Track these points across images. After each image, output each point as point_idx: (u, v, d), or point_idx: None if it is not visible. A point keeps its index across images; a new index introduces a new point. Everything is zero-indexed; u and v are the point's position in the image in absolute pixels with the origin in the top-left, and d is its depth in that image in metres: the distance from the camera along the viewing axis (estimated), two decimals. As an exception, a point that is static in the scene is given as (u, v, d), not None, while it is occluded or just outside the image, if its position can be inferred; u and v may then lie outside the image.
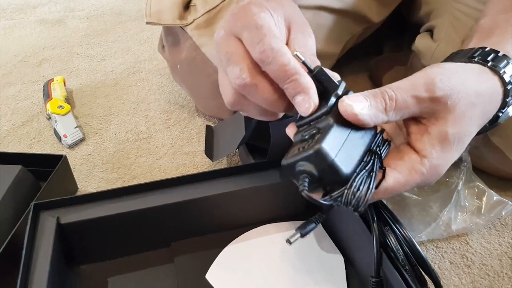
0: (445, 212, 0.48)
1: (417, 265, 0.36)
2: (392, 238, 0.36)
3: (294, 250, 0.45)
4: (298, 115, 0.34)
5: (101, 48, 0.94)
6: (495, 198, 0.50)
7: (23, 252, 0.37)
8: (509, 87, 0.36)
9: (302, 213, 0.48)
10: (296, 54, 0.33)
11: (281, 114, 0.37)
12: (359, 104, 0.31)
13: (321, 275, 0.42)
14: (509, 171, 0.54)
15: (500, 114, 0.37)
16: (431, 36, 0.60)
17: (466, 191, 0.50)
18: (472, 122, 0.34)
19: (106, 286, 0.42)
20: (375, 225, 0.37)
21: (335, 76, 0.35)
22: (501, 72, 0.36)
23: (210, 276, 0.43)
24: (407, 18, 0.71)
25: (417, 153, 0.33)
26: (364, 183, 0.31)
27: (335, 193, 0.31)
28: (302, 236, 0.38)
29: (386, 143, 0.34)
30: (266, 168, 0.47)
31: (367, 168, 0.31)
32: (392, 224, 0.37)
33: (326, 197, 0.31)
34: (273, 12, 0.35)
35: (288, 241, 0.37)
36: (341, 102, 0.31)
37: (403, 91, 0.32)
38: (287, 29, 0.36)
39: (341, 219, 0.45)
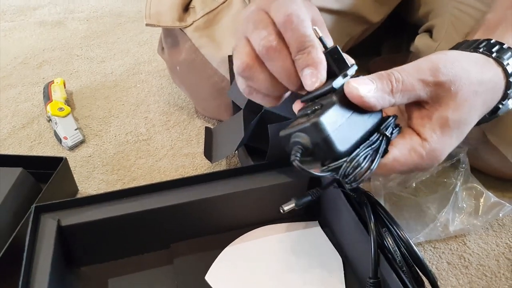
0: (443, 213, 0.48)
1: (414, 266, 0.36)
2: (389, 240, 0.37)
3: (293, 251, 0.45)
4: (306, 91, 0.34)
5: (101, 50, 0.94)
6: (492, 199, 0.50)
7: (25, 254, 0.38)
8: (511, 79, 0.36)
9: (301, 214, 0.48)
10: (314, 29, 0.33)
11: (283, 98, 0.37)
12: (365, 86, 0.31)
13: (320, 276, 0.43)
14: (507, 171, 0.54)
15: (501, 106, 0.38)
16: (430, 36, 0.61)
17: (464, 193, 0.50)
18: (472, 110, 0.34)
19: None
20: (372, 226, 0.37)
21: (349, 60, 0.35)
22: (505, 63, 0.36)
23: (209, 277, 0.43)
24: (406, 18, 0.72)
25: (418, 135, 0.33)
26: (367, 160, 0.31)
27: (333, 164, 0.31)
28: (297, 206, 0.39)
29: (397, 127, 0.34)
30: (265, 170, 0.47)
31: (372, 146, 0.32)
32: (390, 226, 0.37)
33: (323, 168, 0.31)
34: (303, 6, 0.35)
35: (282, 209, 0.38)
36: (347, 84, 0.31)
37: (409, 74, 0.32)
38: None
39: (340, 221, 0.45)
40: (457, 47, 0.40)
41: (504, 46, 0.37)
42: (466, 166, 0.51)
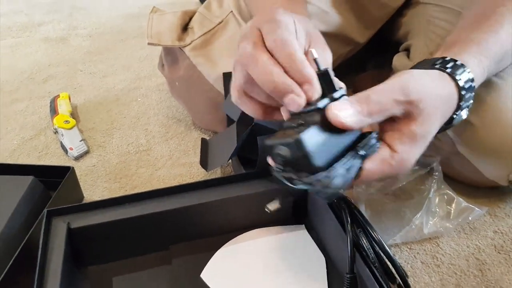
0: (418, 217, 0.52)
1: (386, 263, 0.41)
2: (364, 239, 0.41)
3: (281, 252, 0.49)
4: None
5: (103, 65, 0.99)
6: (463, 204, 0.54)
7: (39, 253, 0.42)
8: (463, 92, 0.41)
9: (289, 218, 0.53)
10: (310, 51, 0.36)
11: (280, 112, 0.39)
12: (345, 112, 0.35)
13: (305, 274, 0.47)
14: (476, 178, 0.58)
15: (455, 116, 0.43)
16: (408, 55, 0.66)
17: (437, 198, 0.54)
18: (435, 122, 0.39)
19: (111, 285, 0.47)
20: (349, 227, 0.41)
21: (339, 83, 0.38)
22: (457, 78, 0.41)
23: (204, 275, 0.47)
24: (389, 37, 0.77)
25: (388, 147, 0.38)
26: (338, 180, 0.34)
27: (307, 178, 0.34)
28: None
29: (378, 142, 0.38)
30: (256, 178, 0.51)
31: (344, 166, 0.35)
32: (364, 227, 0.42)
33: (298, 182, 0.34)
34: (297, 22, 0.40)
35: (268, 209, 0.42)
36: (329, 110, 0.35)
37: (384, 95, 0.36)
38: (308, 42, 0.40)
39: (322, 223, 0.49)
40: (417, 64, 0.45)
41: (458, 63, 0.42)
42: (439, 174, 0.55)
